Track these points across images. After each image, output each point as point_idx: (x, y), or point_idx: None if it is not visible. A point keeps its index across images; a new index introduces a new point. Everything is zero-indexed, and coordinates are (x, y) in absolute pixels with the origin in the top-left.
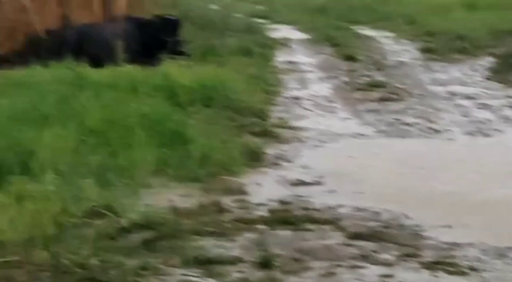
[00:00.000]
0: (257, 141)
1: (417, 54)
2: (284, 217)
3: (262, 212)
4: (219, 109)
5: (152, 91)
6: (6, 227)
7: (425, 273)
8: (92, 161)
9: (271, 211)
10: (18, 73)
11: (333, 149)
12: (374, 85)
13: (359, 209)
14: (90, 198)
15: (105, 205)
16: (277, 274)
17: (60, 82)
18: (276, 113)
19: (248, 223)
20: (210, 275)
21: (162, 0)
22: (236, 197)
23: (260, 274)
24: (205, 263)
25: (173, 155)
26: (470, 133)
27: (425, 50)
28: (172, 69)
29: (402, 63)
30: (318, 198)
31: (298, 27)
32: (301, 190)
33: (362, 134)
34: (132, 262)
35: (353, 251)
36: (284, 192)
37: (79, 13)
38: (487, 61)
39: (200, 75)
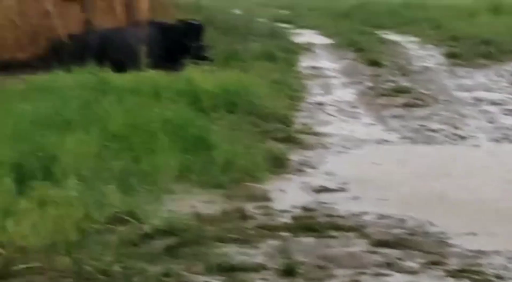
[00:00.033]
0: (280, 147)
1: (442, 59)
2: (308, 224)
3: (286, 219)
4: (242, 115)
5: (175, 96)
6: (29, 232)
7: (450, 281)
8: (114, 166)
9: (295, 218)
10: (41, 78)
11: (357, 155)
12: (399, 90)
13: (383, 216)
14: (113, 204)
15: (127, 211)
16: None
17: (83, 87)
18: (299, 119)
19: (271, 230)
20: None
21: (185, 4)
22: (259, 204)
23: (283, 281)
24: (228, 270)
25: (196, 161)
26: (495, 140)
27: (450, 55)
28: (195, 74)
29: (427, 68)
30: (342, 204)
31: (322, 31)
32: (325, 197)
33: (386, 141)
34: (155, 269)
35: (377, 258)
36: (308, 199)
37: (102, 18)
38: None
39: (223, 81)
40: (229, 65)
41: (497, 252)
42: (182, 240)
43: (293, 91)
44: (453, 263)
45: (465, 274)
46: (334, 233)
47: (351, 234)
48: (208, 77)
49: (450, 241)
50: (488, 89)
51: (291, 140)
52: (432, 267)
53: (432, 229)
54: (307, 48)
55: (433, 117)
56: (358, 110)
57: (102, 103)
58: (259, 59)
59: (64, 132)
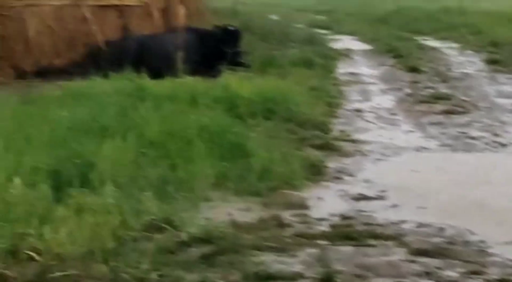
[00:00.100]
0: (318, 154)
1: (482, 65)
2: (346, 232)
3: (324, 227)
4: (279, 122)
5: (212, 103)
6: (66, 239)
7: None
8: (151, 173)
9: (333, 226)
10: (78, 84)
11: (396, 163)
12: (438, 97)
13: (422, 225)
14: (150, 211)
15: (164, 219)
16: None
17: (120, 93)
18: (337, 126)
19: (309, 238)
20: None
21: (222, 10)
22: (297, 212)
23: None
24: (265, 279)
25: (233, 168)
26: None
27: (491, 62)
28: (232, 80)
29: (467, 75)
30: (380, 213)
31: (360, 37)
32: (363, 205)
33: (425, 148)
34: (191, 277)
35: (416, 267)
36: (346, 207)
37: (139, 24)
38: None
39: (260, 87)
40: (266, 72)
41: None
42: (218, 248)
43: (331, 97)
44: (493, 273)
45: None
46: (372, 241)
47: (389, 243)
48: (245, 83)
49: (490, 250)
50: None
51: (329, 147)
52: (472, 276)
53: (472, 238)
54: (345, 54)
55: (473, 124)
56: (397, 117)
57: (139, 110)
58: (297, 65)
59: (101, 139)
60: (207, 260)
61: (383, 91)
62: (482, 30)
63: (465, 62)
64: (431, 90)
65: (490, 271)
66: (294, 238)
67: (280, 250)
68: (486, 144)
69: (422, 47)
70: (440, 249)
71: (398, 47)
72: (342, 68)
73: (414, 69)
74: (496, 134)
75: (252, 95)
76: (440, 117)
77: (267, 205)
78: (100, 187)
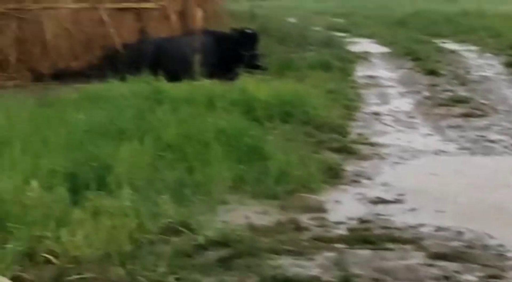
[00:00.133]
0: (336, 157)
1: (501, 68)
2: (364, 236)
3: (341, 231)
4: (297, 125)
5: (229, 106)
6: (82, 242)
7: None
8: (168, 176)
9: (351, 230)
10: (95, 87)
11: (414, 166)
12: (457, 100)
13: (441, 228)
14: (167, 214)
15: (181, 222)
16: None
17: (137, 96)
18: (355, 129)
19: (326, 242)
20: None
21: (239, 13)
22: (314, 215)
23: None
24: None
25: (250, 171)
26: None
27: (510, 64)
28: (249, 83)
29: (486, 78)
30: (398, 216)
31: (378, 40)
32: (381, 208)
33: (444, 151)
34: (208, 280)
35: (434, 271)
36: (364, 210)
37: (157, 27)
38: None
39: (278, 90)
40: (283, 74)
41: None
42: (235, 251)
43: (348, 101)
44: None
45: None
46: (390, 245)
47: (407, 247)
48: (262, 86)
49: (509, 254)
50: None
51: (346, 150)
52: (490, 280)
53: (491, 242)
54: (363, 57)
55: (492, 127)
56: (415, 120)
57: (156, 112)
58: (314, 68)
59: (118, 141)
60: (224, 263)
61: (402, 94)
62: (501, 33)
63: (484, 65)
64: (450, 93)
65: (509, 275)
66: (311, 241)
67: (298, 253)
68: (505, 147)
69: (441, 50)
70: (458, 253)
71: (416, 50)
72: (360, 71)
73: (432, 72)
74: None
75: (269, 98)
76: (459, 121)
77: (285, 208)
78: (117, 189)
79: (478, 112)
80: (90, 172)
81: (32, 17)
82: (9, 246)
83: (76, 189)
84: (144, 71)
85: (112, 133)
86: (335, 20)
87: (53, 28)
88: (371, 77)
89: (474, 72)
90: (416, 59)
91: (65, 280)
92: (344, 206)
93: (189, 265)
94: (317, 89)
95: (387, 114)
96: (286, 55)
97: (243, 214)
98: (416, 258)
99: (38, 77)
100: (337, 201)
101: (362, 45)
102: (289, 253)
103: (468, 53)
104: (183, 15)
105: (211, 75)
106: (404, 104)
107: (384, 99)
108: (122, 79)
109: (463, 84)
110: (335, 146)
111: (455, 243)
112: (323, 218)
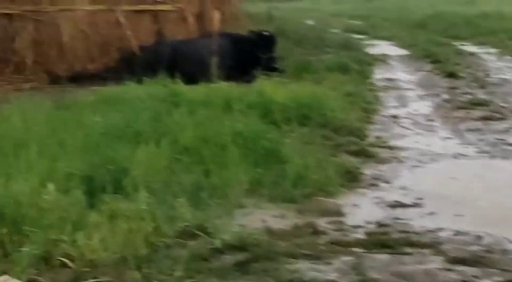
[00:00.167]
0: (354, 160)
1: None
2: (382, 240)
3: (359, 235)
4: (315, 128)
5: (246, 108)
6: (99, 246)
7: None
8: (185, 179)
9: (368, 234)
10: (111, 89)
11: (433, 170)
12: (476, 103)
13: (460, 233)
14: (183, 218)
15: (198, 225)
16: None
17: (154, 99)
18: (373, 132)
19: (344, 246)
20: None
21: (257, 15)
22: (332, 219)
23: None
24: None
25: (267, 174)
26: None
27: None
28: (266, 86)
29: (505, 80)
30: (417, 220)
31: (397, 42)
32: (399, 212)
33: (463, 155)
34: None
35: (453, 276)
36: (382, 214)
37: (174, 29)
38: None
39: (295, 93)
40: (301, 77)
41: None
42: (252, 255)
43: (367, 103)
44: None
45: None
46: (408, 249)
47: (426, 251)
48: (280, 89)
49: None
50: None
51: (364, 154)
52: None
53: (510, 246)
54: (382, 59)
55: None
56: (434, 123)
57: (173, 115)
58: (332, 70)
59: (135, 144)
60: (241, 267)
61: (420, 97)
62: None
63: (504, 68)
64: (469, 96)
65: None
66: (329, 245)
67: (315, 257)
68: None
69: (460, 53)
70: (477, 257)
71: (435, 53)
72: (379, 74)
73: (451, 75)
74: None
75: (286, 101)
76: (478, 124)
77: (302, 212)
78: (134, 193)
79: (498, 115)
80: (106, 175)
81: (48, 19)
82: (25, 249)
83: (93, 192)
84: (161, 73)
85: (129, 136)
86: (353, 22)
87: (69, 30)
88: (389, 79)
89: (493, 75)
90: (435, 61)
91: None
92: (362, 210)
93: (205, 269)
94: (335, 91)
95: (406, 117)
96: (303, 58)
97: (260, 218)
98: (434, 263)
99: (54, 80)
100: (355, 205)
101: (381, 47)
102: (306, 257)
103: (488, 55)
104: (200, 17)
105: (228, 77)
106: (423, 107)
107: (403, 102)
108: (139, 81)
109: (482, 87)
110: (353, 149)
111: (474, 248)
112: (340, 222)
